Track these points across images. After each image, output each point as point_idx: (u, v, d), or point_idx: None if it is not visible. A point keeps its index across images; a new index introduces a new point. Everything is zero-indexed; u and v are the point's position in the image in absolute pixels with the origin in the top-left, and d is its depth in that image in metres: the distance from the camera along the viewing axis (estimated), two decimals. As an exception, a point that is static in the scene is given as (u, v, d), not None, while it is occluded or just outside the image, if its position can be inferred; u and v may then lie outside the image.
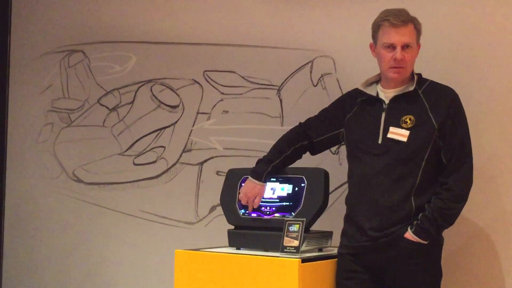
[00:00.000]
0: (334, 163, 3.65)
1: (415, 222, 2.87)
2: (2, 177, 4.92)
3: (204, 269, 3.11)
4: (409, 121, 2.93)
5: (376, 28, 2.99)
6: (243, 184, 3.25)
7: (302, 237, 2.96)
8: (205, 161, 4.14)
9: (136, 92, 4.41)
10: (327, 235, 3.20)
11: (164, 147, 4.28)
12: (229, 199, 3.28)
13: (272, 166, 3.19)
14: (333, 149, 3.61)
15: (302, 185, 3.14)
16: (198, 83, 4.19)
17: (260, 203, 3.19)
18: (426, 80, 3.02)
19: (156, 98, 4.33)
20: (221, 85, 4.11)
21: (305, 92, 3.83)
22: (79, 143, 4.61)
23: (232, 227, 3.26)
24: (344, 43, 3.71)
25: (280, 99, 3.92)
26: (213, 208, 4.07)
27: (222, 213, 3.32)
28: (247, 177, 3.23)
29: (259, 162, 3.24)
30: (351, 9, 3.70)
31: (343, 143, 3.20)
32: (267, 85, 3.96)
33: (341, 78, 3.72)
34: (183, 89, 4.25)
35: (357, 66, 3.60)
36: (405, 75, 2.98)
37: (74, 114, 4.64)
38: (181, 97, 4.25)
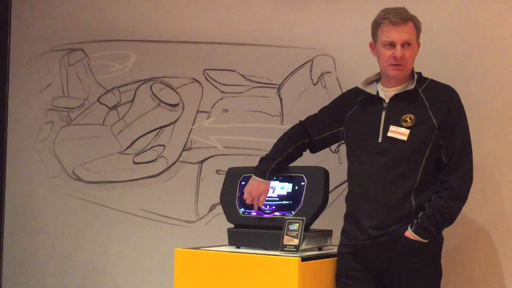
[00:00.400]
0: (334, 161, 3.64)
1: (415, 220, 2.87)
2: (2, 176, 4.92)
3: (204, 267, 3.11)
4: (409, 120, 2.93)
5: (376, 26, 2.99)
6: (243, 183, 3.24)
7: (302, 235, 2.96)
8: (205, 159, 4.14)
9: (136, 91, 4.41)
10: (327, 233, 3.20)
11: (164, 146, 4.28)
12: (229, 198, 3.28)
13: (275, 163, 3.18)
14: (333, 147, 3.61)
15: (302, 183, 3.13)
16: (198, 81, 4.19)
17: (260, 202, 3.20)
18: (426, 78, 3.02)
19: (156, 96, 4.33)
20: (221, 83, 4.11)
21: (305, 91, 3.83)
22: (79, 142, 4.61)
23: (232, 225, 3.26)
24: (344, 42, 3.71)
25: (280, 97, 3.92)
26: (213, 207, 4.07)
27: (222, 211, 3.32)
28: (247, 176, 3.23)
29: (262, 160, 3.23)
30: (351, 7, 3.69)
31: (343, 141, 3.20)
32: (267, 83, 3.96)
33: (341, 76, 3.71)
34: (183, 88, 4.25)
35: (357, 64, 3.59)
36: (405, 73, 2.98)
37: (74, 113, 4.64)
38: (181, 95, 4.25)
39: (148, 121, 4.35)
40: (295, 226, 2.98)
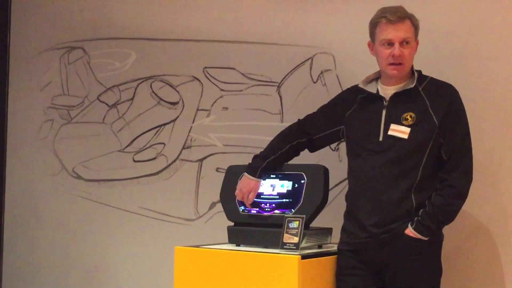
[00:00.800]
0: (334, 159, 3.64)
1: (416, 218, 2.87)
2: (2, 174, 4.92)
3: (204, 265, 3.11)
4: (409, 118, 2.93)
5: (374, 26, 2.99)
6: (242, 181, 3.25)
7: (302, 233, 2.96)
8: (205, 157, 4.14)
9: (136, 89, 4.41)
10: (327, 231, 3.20)
11: (164, 144, 4.28)
12: (229, 196, 3.27)
13: (267, 162, 3.18)
14: (333, 146, 3.61)
15: (302, 181, 3.13)
16: (198, 79, 4.18)
17: (260, 200, 3.19)
18: (426, 77, 3.02)
19: (156, 94, 4.33)
20: (221, 81, 4.11)
21: (305, 89, 3.83)
22: (79, 140, 4.61)
23: (232, 223, 3.26)
24: (344, 40, 3.70)
25: (280, 95, 3.91)
26: (213, 205, 4.07)
27: (222, 209, 3.32)
28: (246, 174, 3.23)
29: (254, 158, 3.24)
30: (352, 5, 3.69)
31: (342, 140, 3.20)
32: (267, 81, 3.96)
33: (341, 74, 3.71)
34: (183, 86, 4.25)
35: (357, 62, 3.59)
36: (404, 71, 2.97)
37: (74, 111, 4.65)
38: (181, 93, 4.25)
39: (148, 119, 4.35)
40: (295, 224, 2.98)
